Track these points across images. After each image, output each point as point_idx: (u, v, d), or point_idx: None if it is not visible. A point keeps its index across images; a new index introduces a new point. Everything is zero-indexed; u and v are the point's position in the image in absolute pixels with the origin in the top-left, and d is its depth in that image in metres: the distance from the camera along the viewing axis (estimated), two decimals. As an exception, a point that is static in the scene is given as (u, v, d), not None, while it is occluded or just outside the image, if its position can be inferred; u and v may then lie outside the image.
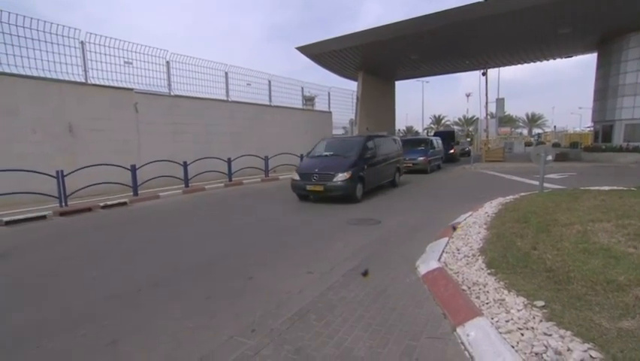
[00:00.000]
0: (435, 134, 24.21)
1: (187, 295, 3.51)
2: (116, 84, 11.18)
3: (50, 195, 8.31)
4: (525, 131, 60.42)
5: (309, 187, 8.52)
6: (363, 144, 9.30)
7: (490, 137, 25.61)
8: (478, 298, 2.92)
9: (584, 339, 2.13)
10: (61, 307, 3.32)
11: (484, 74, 24.43)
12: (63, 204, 8.37)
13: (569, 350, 2.06)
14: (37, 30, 9.45)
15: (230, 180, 13.02)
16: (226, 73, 15.03)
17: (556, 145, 29.06)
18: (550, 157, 7.75)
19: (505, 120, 50.47)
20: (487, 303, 2.80)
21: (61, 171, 8.39)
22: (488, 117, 25.49)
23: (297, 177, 8.88)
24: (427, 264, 3.94)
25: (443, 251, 4.24)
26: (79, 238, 6.13)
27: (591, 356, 1.98)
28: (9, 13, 8.88)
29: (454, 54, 21.10)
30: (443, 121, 61.44)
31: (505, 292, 2.90)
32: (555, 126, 51.04)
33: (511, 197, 7.32)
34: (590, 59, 22.41)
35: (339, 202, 8.43)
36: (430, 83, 65.85)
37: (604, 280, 2.79)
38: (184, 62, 13.35)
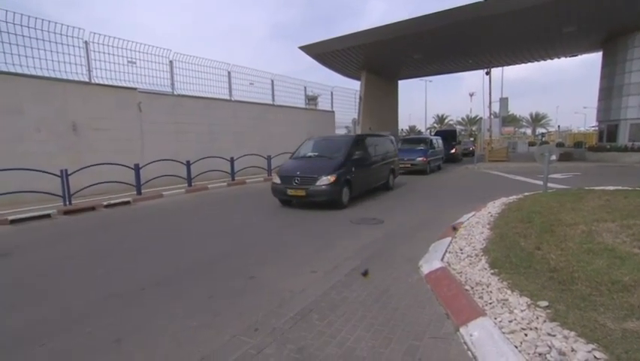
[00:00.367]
0: (435, 134, 24.00)
1: (189, 294, 3.52)
2: (119, 84, 11.23)
3: (55, 194, 8.37)
4: (529, 131, 60.09)
5: (290, 192, 7.80)
6: (351, 144, 8.57)
7: (494, 136, 25.48)
8: (481, 298, 2.90)
9: (589, 340, 2.11)
10: (61, 307, 3.33)
11: (487, 73, 24.33)
12: (67, 203, 8.42)
13: (573, 350, 2.05)
14: (42, 30, 9.52)
15: (233, 179, 13.05)
16: (229, 72, 15.05)
17: (560, 145, 28.91)
18: (554, 157, 7.70)
19: (509, 120, 50.29)
20: (490, 303, 2.79)
21: (66, 170, 8.44)
22: (492, 117, 25.38)
23: (277, 180, 8.12)
24: (429, 264, 3.93)
25: (446, 251, 4.23)
26: (82, 237, 6.16)
27: (595, 356, 1.97)
28: (14, 13, 8.94)
29: (458, 53, 21.03)
30: (446, 121, 61.25)
31: (509, 292, 2.88)
32: (559, 126, 50.74)
33: (515, 197, 7.28)
34: (594, 58, 22.21)
35: (326, 208, 7.70)
36: (434, 83, 65.83)
37: (609, 281, 2.77)
38: (187, 62, 13.39)
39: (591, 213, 4.83)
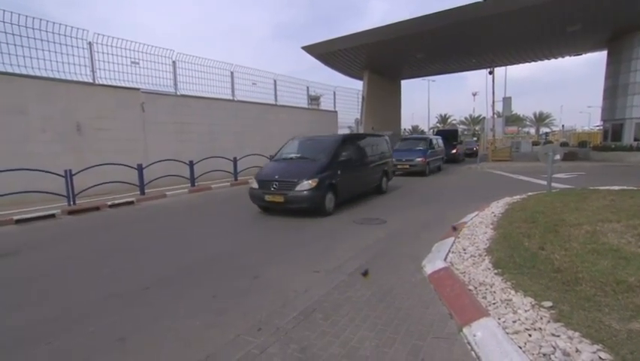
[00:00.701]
0: (436, 133, 23.81)
1: (193, 293, 3.53)
2: (123, 84, 11.29)
3: (59, 195, 8.42)
4: (532, 131, 59.84)
5: (267, 197, 7.07)
6: (337, 144, 7.86)
7: (497, 136, 25.34)
8: (484, 298, 2.89)
9: (593, 340, 2.10)
10: (64, 307, 3.34)
11: (490, 72, 24.19)
12: (71, 203, 8.48)
13: (577, 351, 2.04)
14: (47, 31, 9.59)
15: (236, 179, 13.08)
16: (232, 72, 15.09)
17: (564, 144, 28.74)
18: (558, 156, 7.66)
19: (512, 119, 50.07)
20: (493, 303, 2.78)
21: (70, 171, 8.50)
22: (495, 116, 25.25)
23: (255, 184, 7.41)
24: (433, 264, 3.92)
25: (449, 251, 4.22)
26: (86, 236, 6.19)
27: (600, 357, 1.96)
28: (19, 15, 9.01)
29: (460, 53, 20.95)
30: (449, 120, 61.10)
31: (512, 292, 2.87)
32: (563, 125, 50.51)
33: (519, 197, 7.25)
34: (599, 57, 22.05)
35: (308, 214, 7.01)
36: (436, 82, 65.78)
37: (613, 281, 2.76)
38: (190, 62, 13.44)
39: (596, 214, 4.80)
